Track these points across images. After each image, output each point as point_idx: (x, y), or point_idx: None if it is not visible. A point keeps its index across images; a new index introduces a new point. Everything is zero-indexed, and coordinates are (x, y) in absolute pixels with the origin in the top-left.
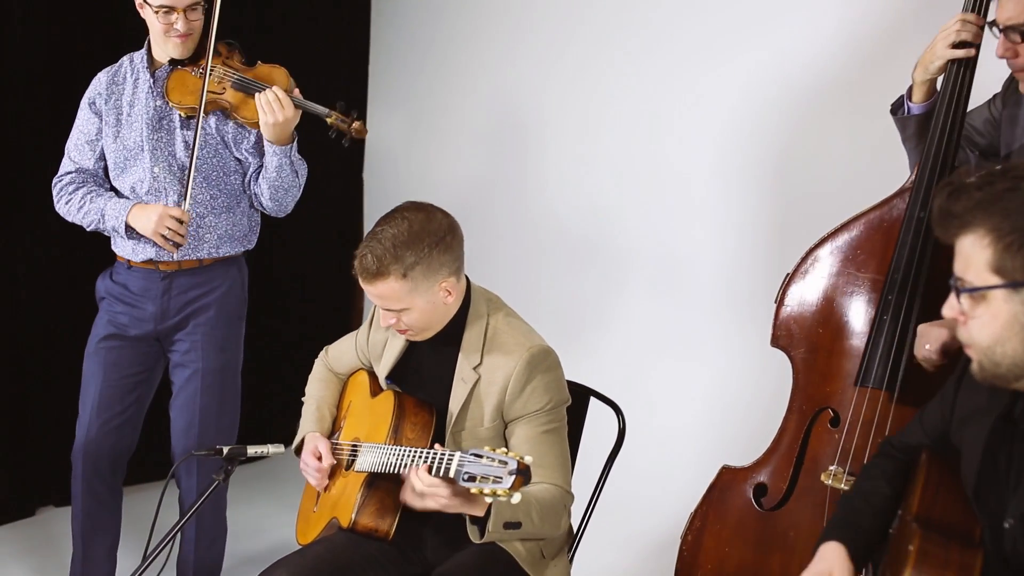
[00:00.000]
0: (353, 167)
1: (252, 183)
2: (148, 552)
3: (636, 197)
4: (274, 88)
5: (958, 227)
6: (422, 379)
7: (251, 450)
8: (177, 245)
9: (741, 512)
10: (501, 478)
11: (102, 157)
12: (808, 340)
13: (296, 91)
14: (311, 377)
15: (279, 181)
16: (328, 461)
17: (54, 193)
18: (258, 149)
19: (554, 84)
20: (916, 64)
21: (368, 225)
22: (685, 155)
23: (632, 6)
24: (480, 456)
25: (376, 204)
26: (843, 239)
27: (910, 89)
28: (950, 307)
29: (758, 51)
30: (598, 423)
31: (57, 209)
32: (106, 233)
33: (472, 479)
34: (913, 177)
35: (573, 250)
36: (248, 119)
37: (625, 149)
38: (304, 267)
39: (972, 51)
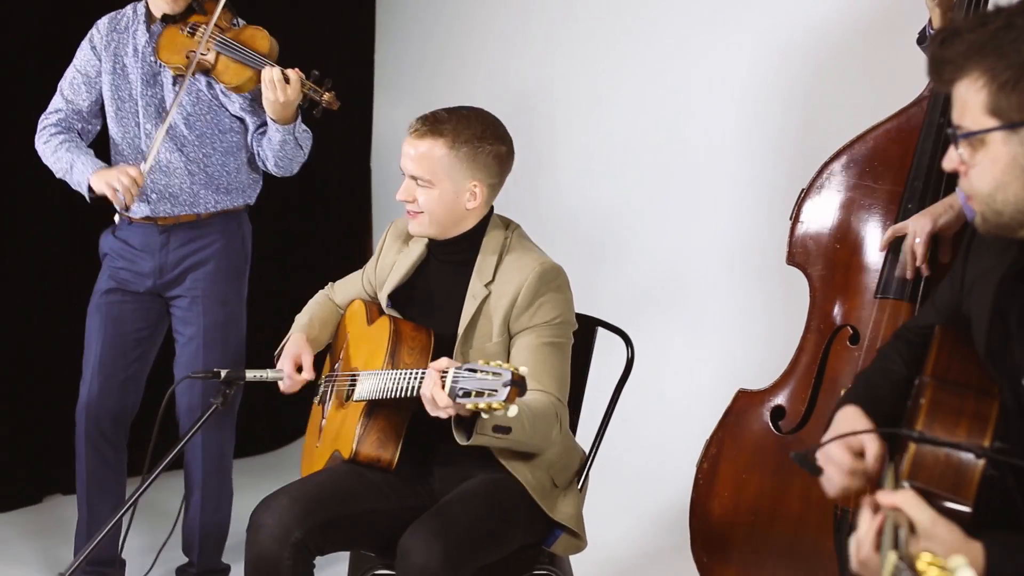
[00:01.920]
0: (360, 157)
1: (255, 144)
2: (146, 477)
3: (646, 136)
4: (279, 68)
5: (952, 72)
6: (429, 301)
7: (250, 374)
8: (126, 206)
9: (758, 436)
10: (496, 390)
11: (99, 99)
12: (825, 256)
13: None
14: (309, 302)
15: (282, 153)
16: (308, 374)
17: (38, 128)
18: (253, 106)
19: (562, 69)
20: None
21: (377, 215)
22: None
23: None
24: (475, 370)
25: (384, 194)
26: (859, 151)
27: (930, 20)
28: (949, 159)
29: (768, 20)
30: (608, 355)
31: (36, 145)
32: (72, 185)
33: (467, 395)
34: (930, 84)
35: (590, 189)
36: (227, 83)
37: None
38: (312, 259)
39: None
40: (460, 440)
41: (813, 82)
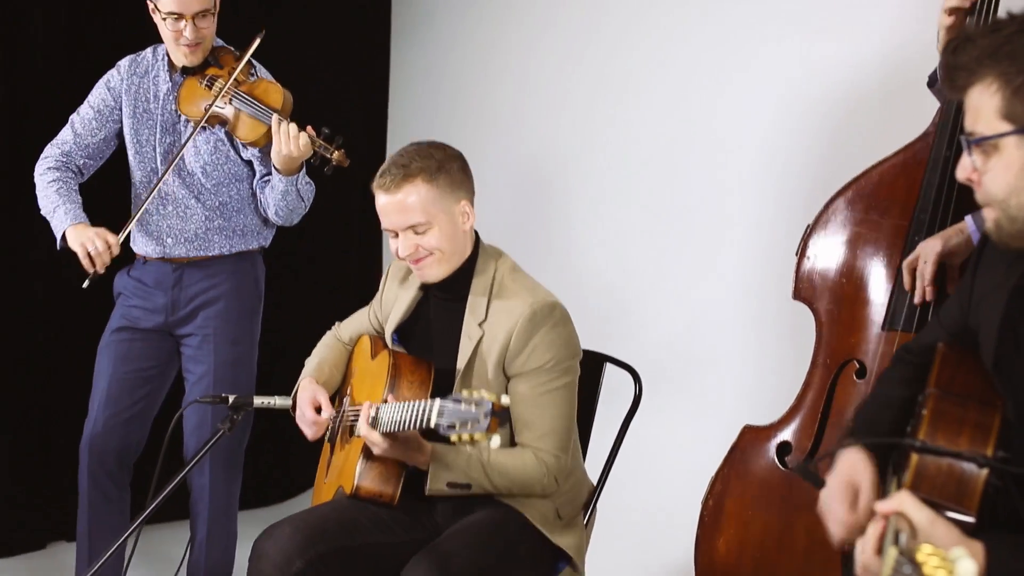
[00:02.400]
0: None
1: (259, 191)
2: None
3: (658, 164)
4: (294, 124)
5: (966, 79)
6: (431, 336)
7: (257, 400)
8: (94, 268)
9: (764, 472)
10: (478, 420)
11: (109, 138)
12: (831, 291)
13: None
14: (317, 345)
15: (284, 203)
16: (328, 412)
17: (42, 155)
18: (262, 155)
19: (574, 118)
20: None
21: (387, 254)
22: (715, 121)
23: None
24: (459, 400)
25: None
26: (864, 186)
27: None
28: (962, 167)
29: (773, 66)
30: (616, 390)
31: (34, 170)
32: (51, 226)
33: (452, 427)
34: (936, 119)
35: (597, 222)
36: (242, 137)
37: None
38: (323, 302)
39: (957, 19)
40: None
41: (819, 121)
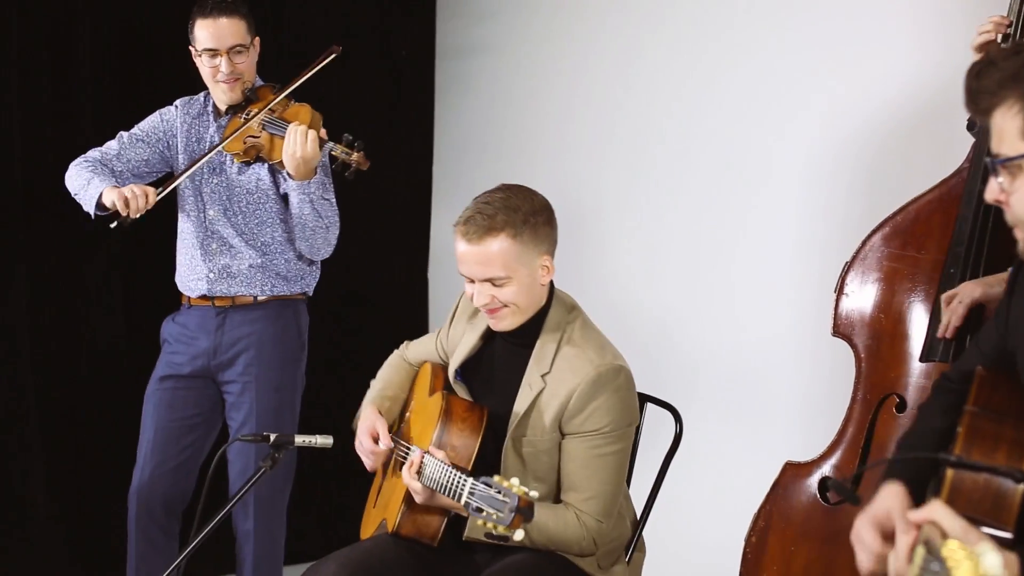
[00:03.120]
0: (419, 263)
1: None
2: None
3: (697, 204)
4: (304, 125)
5: (988, 102)
6: (493, 377)
7: (299, 439)
8: (126, 216)
9: (807, 509)
10: (503, 514)
11: (149, 163)
12: (870, 327)
13: (323, 131)
14: (384, 364)
15: (301, 219)
16: (385, 444)
17: (79, 158)
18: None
19: (618, 153)
20: None
21: (433, 311)
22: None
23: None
24: (490, 485)
25: (441, 299)
26: (901, 222)
27: None
28: (990, 189)
29: (815, 100)
30: (657, 428)
31: (70, 167)
32: (80, 201)
33: (479, 511)
34: (970, 155)
35: (638, 259)
36: (274, 159)
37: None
38: (366, 352)
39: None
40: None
41: (856, 160)
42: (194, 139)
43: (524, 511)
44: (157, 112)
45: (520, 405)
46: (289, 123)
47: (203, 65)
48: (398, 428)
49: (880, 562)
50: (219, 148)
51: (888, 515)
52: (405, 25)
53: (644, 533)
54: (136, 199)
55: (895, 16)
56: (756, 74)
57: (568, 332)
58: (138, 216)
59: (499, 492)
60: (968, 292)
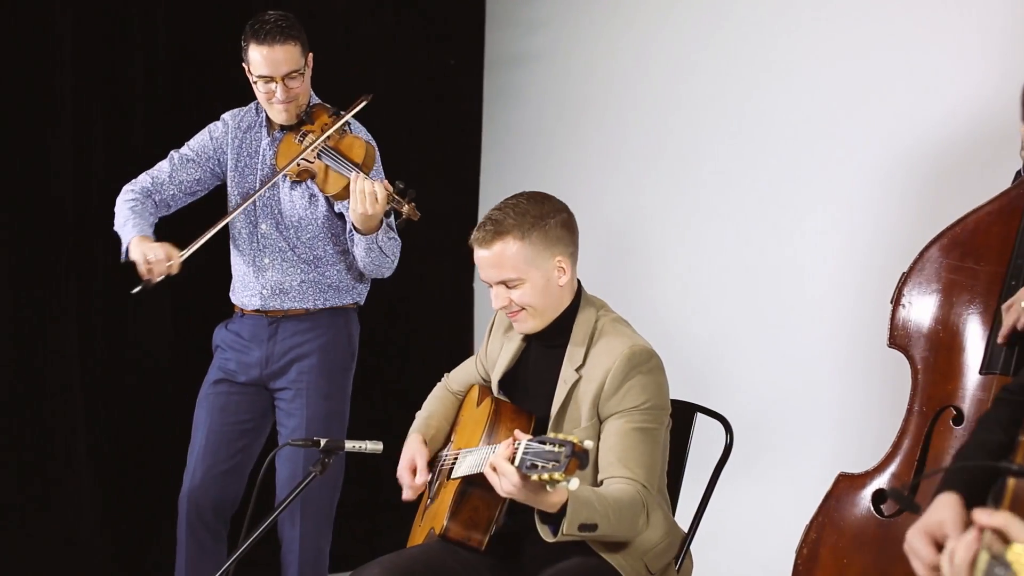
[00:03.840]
0: (465, 273)
1: (350, 245)
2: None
3: (747, 213)
4: (371, 182)
5: None
6: (529, 384)
7: (349, 444)
8: (149, 279)
9: (860, 521)
10: (558, 461)
11: (208, 179)
12: (927, 339)
13: (386, 183)
14: (428, 397)
15: (368, 259)
16: (422, 479)
17: (131, 183)
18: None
19: (665, 169)
20: None
21: (479, 321)
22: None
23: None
24: (543, 442)
25: (486, 309)
26: (960, 233)
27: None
28: None
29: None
30: (706, 438)
31: (122, 192)
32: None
33: (534, 467)
34: None
35: (685, 272)
36: (327, 191)
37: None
38: (417, 360)
39: None
40: (546, 536)
41: (912, 170)
42: (246, 153)
43: (580, 455)
44: (205, 129)
45: (557, 401)
46: (344, 157)
47: (257, 89)
48: (444, 446)
49: (934, 572)
50: (272, 182)
51: (941, 525)
52: (455, 34)
53: (693, 544)
54: (159, 264)
55: (953, 25)
56: (807, 86)
57: (599, 324)
58: (162, 279)
59: (552, 444)
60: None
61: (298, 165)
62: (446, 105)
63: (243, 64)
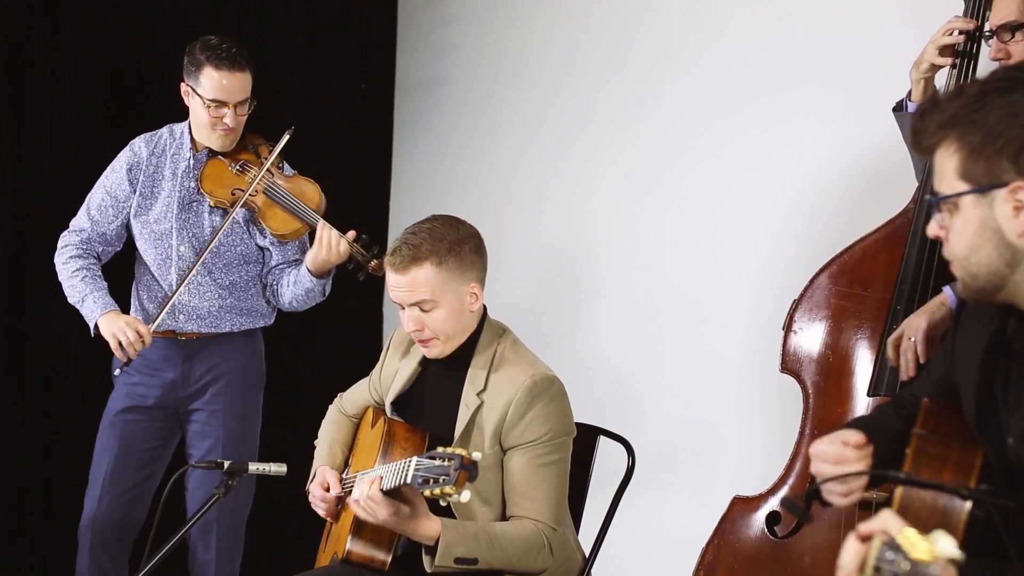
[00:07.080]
0: (374, 298)
1: (271, 277)
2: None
3: (644, 230)
4: (339, 236)
5: (930, 142)
6: (427, 406)
7: (252, 467)
8: (128, 358)
9: (755, 542)
10: (448, 475)
11: (126, 222)
12: (817, 364)
13: (351, 234)
14: (324, 422)
15: (305, 298)
16: (335, 491)
17: (59, 245)
18: (282, 243)
19: (581, 199)
20: (913, 63)
21: (387, 342)
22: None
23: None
24: (433, 457)
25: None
26: (847, 261)
27: (909, 92)
28: (931, 227)
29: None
30: (609, 463)
31: (55, 260)
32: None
33: (427, 482)
34: (916, 195)
35: (575, 281)
36: (273, 229)
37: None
38: (322, 378)
39: (952, 60)
40: (427, 566)
41: (805, 201)
42: (160, 176)
43: (468, 467)
44: (118, 166)
45: (459, 425)
46: (299, 201)
47: (203, 113)
48: (345, 470)
49: (842, 467)
50: (230, 217)
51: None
52: (366, 59)
53: (595, 567)
54: (131, 346)
55: (847, 55)
56: (703, 122)
57: (500, 351)
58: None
59: (441, 459)
60: (914, 326)
61: (232, 194)
62: (357, 130)
63: (184, 84)
